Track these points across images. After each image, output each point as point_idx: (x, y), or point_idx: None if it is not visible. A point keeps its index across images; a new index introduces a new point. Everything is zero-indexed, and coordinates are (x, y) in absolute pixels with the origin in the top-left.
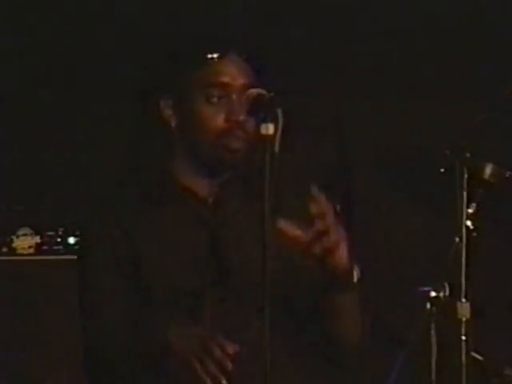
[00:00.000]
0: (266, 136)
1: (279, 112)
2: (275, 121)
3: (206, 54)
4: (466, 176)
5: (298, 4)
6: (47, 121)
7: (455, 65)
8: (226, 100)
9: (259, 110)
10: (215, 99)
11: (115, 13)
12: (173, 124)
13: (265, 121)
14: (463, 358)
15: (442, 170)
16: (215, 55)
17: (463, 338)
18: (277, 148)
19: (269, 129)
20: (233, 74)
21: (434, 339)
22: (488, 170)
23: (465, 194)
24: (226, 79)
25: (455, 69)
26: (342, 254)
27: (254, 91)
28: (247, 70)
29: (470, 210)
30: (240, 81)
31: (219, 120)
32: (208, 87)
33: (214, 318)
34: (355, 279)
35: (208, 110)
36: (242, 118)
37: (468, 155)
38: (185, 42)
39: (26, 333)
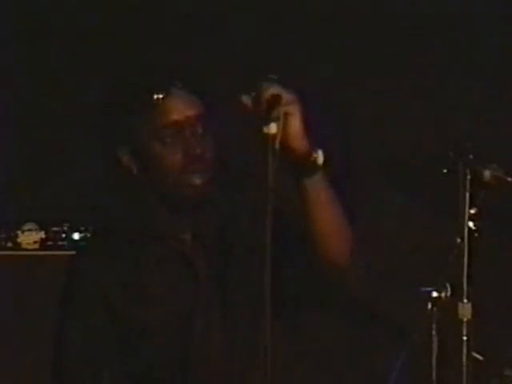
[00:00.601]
0: (269, 135)
1: (281, 112)
2: (278, 120)
3: (151, 96)
4: (468, 177)
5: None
6: (51, 116)
7: (458, 65)
8: (180, 137)
9: (274, 110)
10: (169, 139)
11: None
12: (134, 170)
13: (268, 121)
14: (464, 358)
15: (445, 171)
16: (159, 95)
17: (464, 338)
18: (277, 146)
19: (272, 128)
20: (180, 109)
21: (435, 339)
22: (487, 172)
23: (467, 194)
24: (174, 117)
25: (457, 70)
26: (296, 120)
27: (270, 91)
28: (193, 101)
29: (472, 211)
30: (189, 114)
31: (177, 158)
32: (159, 129)
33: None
34: (320, 161)
35: (164, 152)
36: (198, 150)
37: (471, 156)
38: (128, 85)
39: (29, 327)
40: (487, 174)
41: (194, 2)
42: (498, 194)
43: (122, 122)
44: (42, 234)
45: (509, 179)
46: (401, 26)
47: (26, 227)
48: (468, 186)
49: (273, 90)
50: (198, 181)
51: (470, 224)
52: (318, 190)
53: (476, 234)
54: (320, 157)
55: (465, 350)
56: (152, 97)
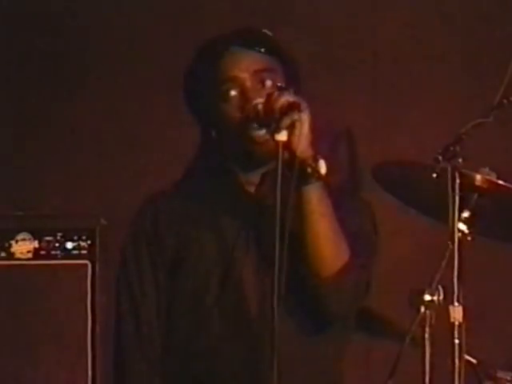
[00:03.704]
0: (280, 142)
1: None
2: (293, 127)
3: (213, 56)
4: (458, 181)
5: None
6: (47, 126)
7: (447, 70)
8: (239, 91)
9: (287, 117)
10: (229, 95)
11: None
12: (213, 134)
13: (280, 128)
14: (456, 361)
15: (435, 176)
16: (218, 53)
17: (456, 341)
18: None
19: (283, 135)
20: (238, 65)
21: (427, 342)
22: (479, 176)
23: (457, 198)
24: (232, 73)
25: (447, 74)
26: (306, 127)
27: (285, 98)
28: (252, 56)
29: (465, 215)
30: (249, 69)
31: (237, 112)
32: (219, 87)
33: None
34: (322, 171)
35: (226, 107)
36: (256, 101)
37: (460, 160)
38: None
39: (23, 336)
40: (479, 177)
41: None
42: (490, 197)
43: (196, 87)
44: (36, 244)
45: (500, 182)
46: (398, 29)
47: (19, 237)
48: (457, 190)
49: (288, 96)
50: (256, 134)
51: (463, 227)
52: (316, 200)
53: (469, 238)
54: (323, 167)
55: (457, 353)
56: (212, 57)
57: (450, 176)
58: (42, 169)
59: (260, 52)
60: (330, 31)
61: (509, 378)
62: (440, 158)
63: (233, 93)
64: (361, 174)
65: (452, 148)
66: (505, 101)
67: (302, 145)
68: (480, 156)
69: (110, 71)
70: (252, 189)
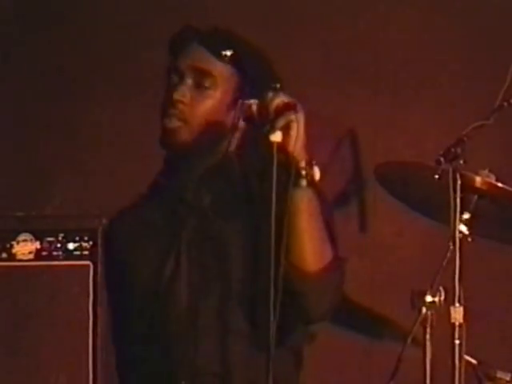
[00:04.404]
0: (274, 143)
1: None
2: (288, 128)
3: (176, 44)
4: (459, 182)
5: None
6: (47, 126)
7: (448, 73)
8: (176, 83)
9: (282, 118)
10: (171, 83)
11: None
12: None
13: (274, 129)
14: (456, 361)
15: (437, 177)
16: (176, 43)
17: (457, 341)
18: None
19: (278, 136)
20: (186, 58)
21: (428, 343)
22: (478, 177)
23: (458, 199)
24: (177, 63)
25: (448, 77)
26: (300, 129)
27: (281, 99)
28: (208, 58)
29: (466, 216)
30: (194, 64)
31: (165, 100)
32: (168, 72)
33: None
34: (316, 177)
35: (166, 95)
36: (177, 97)
37: (461, 162)
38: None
39: (25, 337)
40: (478, 179)
41: None
42: (490, 199)
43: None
44: (37, 245)
45: (500, 185)
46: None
47: (20, 238)
48: (459, 191)
49: (283, 97)
50: (168, 124)
51: (463, 229)
52: (306, 201)
53: (469, 239)
54: (317, 172)
55: (457, 354)
56: (175, 44)
57: (451, 177)
58: (44, 169)
59: (220, 56)
60: (331, 34)
61: (508, 379)
62: (442, 159)
63: (173, 82)
64: (363, 176)
65: (453, 150)
66: (505, 103)
67: (297, 146)
68: (480, 158)
69: (110, 71)
70: (189, 195)
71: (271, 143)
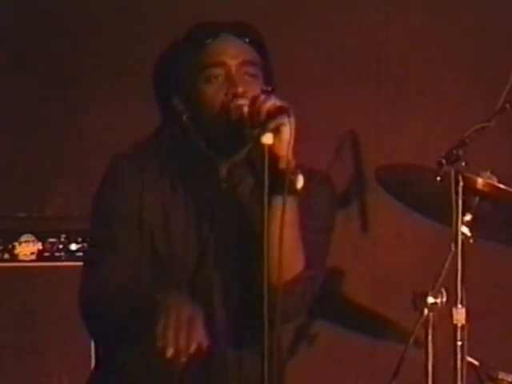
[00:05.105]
0: (265, 145)
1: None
2: (278, 131)
3: (201, 39)
4: (461, 184)
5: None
6: (48, 127)
7: (450, 75)
8: (224, 77)
9: (273, 120)
10: (213, 79)
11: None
12: (184, 117)
13: (265, 131)
14: (458, 362)
15: (439, 179)
16: (208, 38)
17: (459, 343)
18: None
19: (268, 138)
20: (227, 52)
21: (430, 344)
22: (480, 179)
23: (460, 201)
24: (219, 58)
25: (450, 79)
26: (290, 132)
27: (273, 102)
28: (242, 47)
29: (467, 218)
30: (237, 57)
31: (220, 95)
32: (205, 69)
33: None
34: (298, 186)
35: (209, 90)
36: (240, 89)
37: (463, 164)
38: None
39: (26, 338)
40: (480, 181)
41: None
42: (491, 200)
43: (177, 67)
44: (39, 246)
45: (501, 186)
46: (400, 33)
47: (22, 238)
48: (461, 193)
49: (275, 100)
50: (239, 102)
51: (465, 230)
52: (286, 208)
53: (471, 241)
54: (300, 181)
55: (459, 355)
56: (200, 40)
57: (453, 179)
58: (46, 170)
59: (246, 42)
60: (333, 35)
61: (510, 380)
62: (443, 161)
63: (219, 75)
64: (365, 177)
65: (455, 152)
66: (507, 105)
67: (287, 151)
68: (482, 160)
69: (111, 73)
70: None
71: (261, 145)
